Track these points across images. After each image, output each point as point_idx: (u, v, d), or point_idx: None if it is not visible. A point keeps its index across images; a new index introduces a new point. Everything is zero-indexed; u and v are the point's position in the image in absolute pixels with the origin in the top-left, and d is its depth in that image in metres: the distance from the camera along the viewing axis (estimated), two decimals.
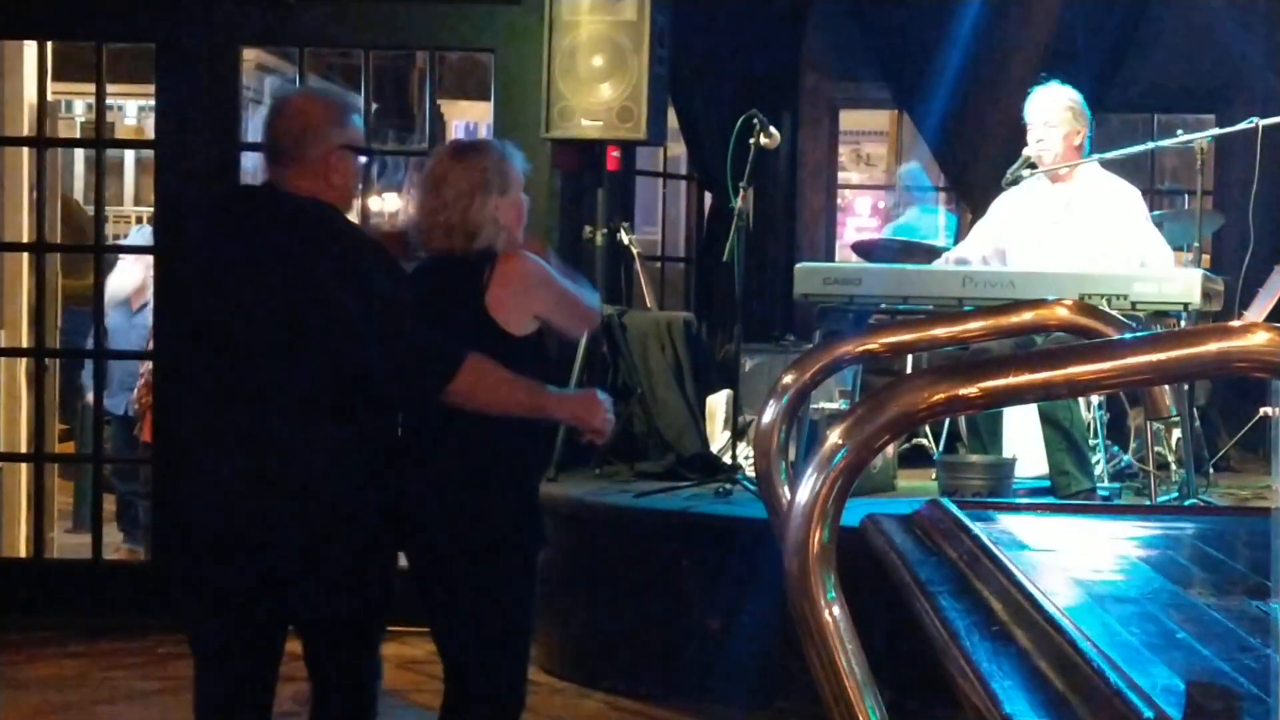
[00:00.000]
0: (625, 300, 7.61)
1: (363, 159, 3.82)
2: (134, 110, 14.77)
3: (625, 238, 7.27)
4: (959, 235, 7.95)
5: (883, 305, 6.05)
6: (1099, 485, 6.02)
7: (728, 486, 6.17)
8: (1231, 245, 8.03)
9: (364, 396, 3.62)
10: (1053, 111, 6.22)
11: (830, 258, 9.33)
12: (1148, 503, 5.66)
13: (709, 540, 5.86)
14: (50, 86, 7.19)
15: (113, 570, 7.20)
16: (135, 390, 7.84)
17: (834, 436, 1.52)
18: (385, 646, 6.35)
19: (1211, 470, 6.68)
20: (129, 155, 16.90)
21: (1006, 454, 6.20)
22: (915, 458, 6.93)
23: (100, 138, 7.31)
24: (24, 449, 7.25)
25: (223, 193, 5.54)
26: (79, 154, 14.18)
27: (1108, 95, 8.41)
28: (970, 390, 1.52)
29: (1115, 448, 6.62)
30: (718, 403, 7.14)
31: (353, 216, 4.01)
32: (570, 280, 4.03)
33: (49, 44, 7.13)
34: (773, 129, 6.42)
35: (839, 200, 10.46)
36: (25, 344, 7.22)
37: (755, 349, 7.42)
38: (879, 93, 9.24)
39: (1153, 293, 5.68)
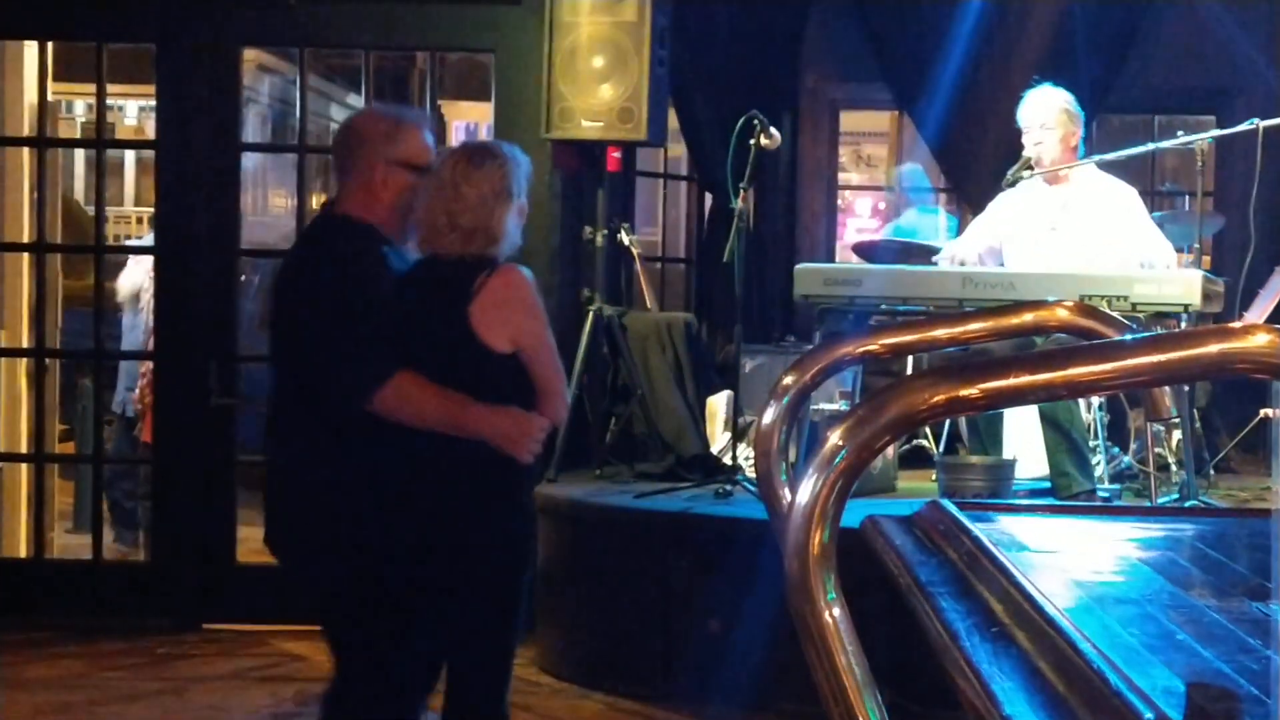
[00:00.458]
0: (625, 301, 7.61)
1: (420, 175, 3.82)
2: (134, 110, 14.77)
3: (625, 238, 7.27)
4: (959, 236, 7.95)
5: (883, 306, 6.05)
6: (1099, 486, 6.02)
7: (728, 487, 6.17)
8: (1232, 247, 8.03)
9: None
10: (1047, 114, 6.22)
11: (830, 259, 9.33)
12: (1148, 504, 5.66)
13: (709, 541, 5.86)
14: (51, 87, 7.19)
15: (113, 571, 7.20)
16: (137, 390, 7.84)
17: (834, 437, 1.52)
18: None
19: (1212, 472, 6.69)
20: (129, 155, 16.90)
21: (1007, 455, 6.20)
22: (915, 459, 6.93)
23: (101, 138, 7.31)
24: (24, 449, 7.25)
25: None
26: (79, 154, 14.18)
27: (1108, 96, 8.42)
28: (970, 391, 1.52)
29: (1115, 449, 6.62)
30: (718, 404, 7.14)
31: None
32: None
33: (49, 44, 7.13)
34: (773, 130, 6.42)
35: (839, 201, 10.45)
36: (26, 344, 7.22)
37: (755, 350, 7.43)
38: (879, 94, 9.23)
39: (1153, 294, 5.68)
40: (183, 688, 6.07)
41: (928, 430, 6.91)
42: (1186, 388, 5.91)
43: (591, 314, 6.76)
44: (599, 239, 7.02)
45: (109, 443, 7.80)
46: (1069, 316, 2.54)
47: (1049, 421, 5.96)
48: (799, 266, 6.34)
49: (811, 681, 1.55)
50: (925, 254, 6.88)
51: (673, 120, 7.70)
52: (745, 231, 6.43)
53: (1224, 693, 1.33)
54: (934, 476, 6.30)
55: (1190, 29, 8.71)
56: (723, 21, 8.40)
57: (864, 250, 7.60)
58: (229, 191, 6.95)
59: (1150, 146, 6.67)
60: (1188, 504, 5.70)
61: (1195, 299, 5.63)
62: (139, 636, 6.63)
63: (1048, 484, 6.07)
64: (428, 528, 3.77)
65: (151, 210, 7.65)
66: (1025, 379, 1.52)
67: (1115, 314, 3.11)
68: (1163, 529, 2.69)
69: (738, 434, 6.51)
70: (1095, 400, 6.20)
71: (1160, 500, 5.82)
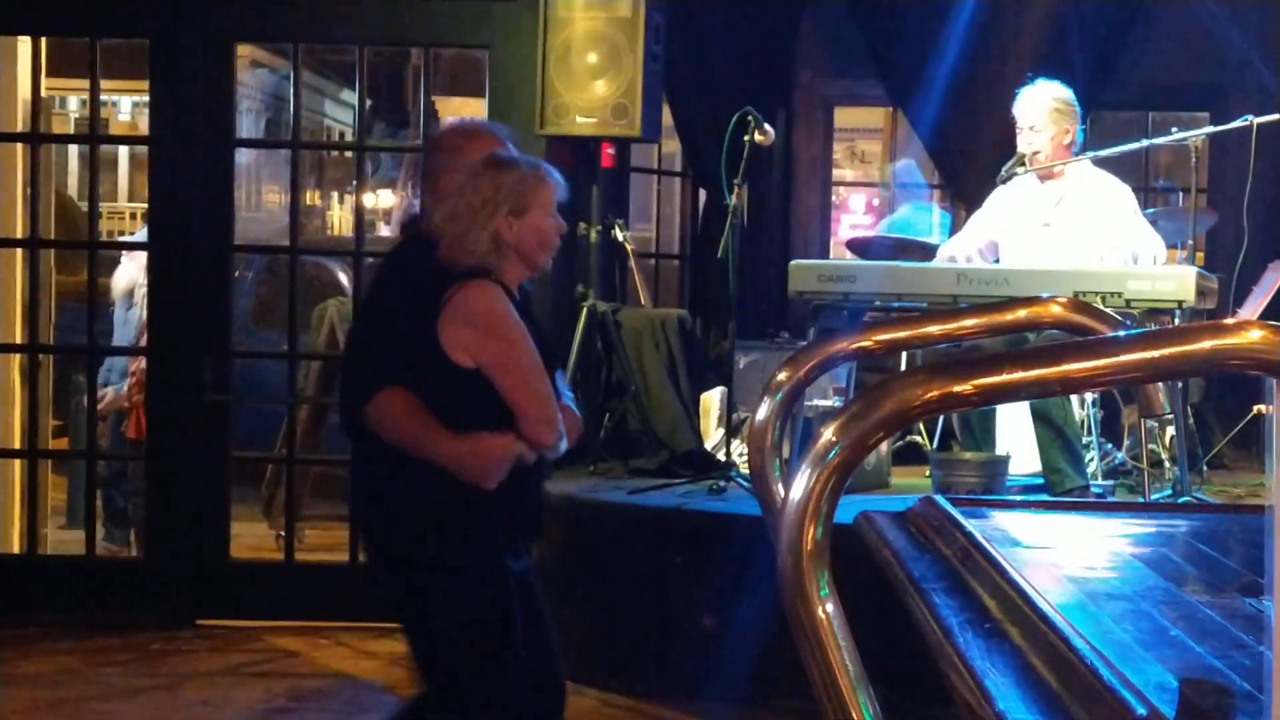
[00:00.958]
0: (620, 297, 7.61)
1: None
2: (128, 106, 14.76)
3: (620, 234, 7.27)
4: (953, 232, 7.95)
5: (877, 302, 6.05)
6: (1092, 482, 6.02)
7: (722, 484, 6.17)
8: (1226, 243, 8.04)
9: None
10: (1039, 111, 6.21)
11: (825, 255, 9.32)
12: (1141, 500, 5.67)
13: (703, 537, 5.86)
14: (45, 82, 7.18)
15: (106, 567, 7.19)
16: (126, 387, 7.82)
17: (828, 433, 1.52)
18: (382, 643, 6.41)
19: (1205, 468, 6.69)
20: (123, 151, 16.90)
21: (1000, 451, 6.21)
22: (909, 455, 6.93)
23: (94, 133, 7.30)
24: (17, 445, 7.24)
25: None
26: (73, 150, 14.17)
27: (1102, 93, 8.42)
28: (964, 387, 1.52)
29: (1109, 445, 6.63)
30: (712, 400, 7.14)
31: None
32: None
33: (43, 39, 7.12)
34: (767, 126, 6.42)
35: (834, 197, 10.45)
36: (19, 340, 7.21)
37: (749, 346, 7.42)
38: (874, 90, 9.23)
39: (1147, 290, 5.68)
40: (176, 684, 6.06)
41: (921, 426, 6.90)
42: (1180, 384, 5.91)
43: (585, 310, 6.76)
44: (593, 235, 7.02)
45: (102, 439, 7.79)
46: (1063, 313, 2.54)
47: (1042, 418, 5.96)
48: (793, 263, 6.33)
49: (805, 677, 1.55)
50: (920, 250, 6.88)
51: (667, 116, 7.70)
52: (739, 227, 6.43)
53: (1217, 688, 1.33)
54: (928, 472, 6.30)
55: (1184, 25, 8.72)
56: (717, 17, 8.40)
57: (858, 246, 7.60)
58: (223, 187, 6.94)
59: (1144, 143, 6.68)
60: (1181, 500, 5.71)
61: (1189, 295, 5.63)
62: (133, 632, 6.62)
63: (1041, 480, 6.07)
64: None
65: (145, 206, 7.64)
66: (1018, 375, 1.52)
67: (1109, 310, 3.11)
68: (1156, 525, 2.70)
69: (732, 430, 6.51)
70: (1089, 396, 6.21)
71: (1154, 496, 5.83)
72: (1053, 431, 5.95)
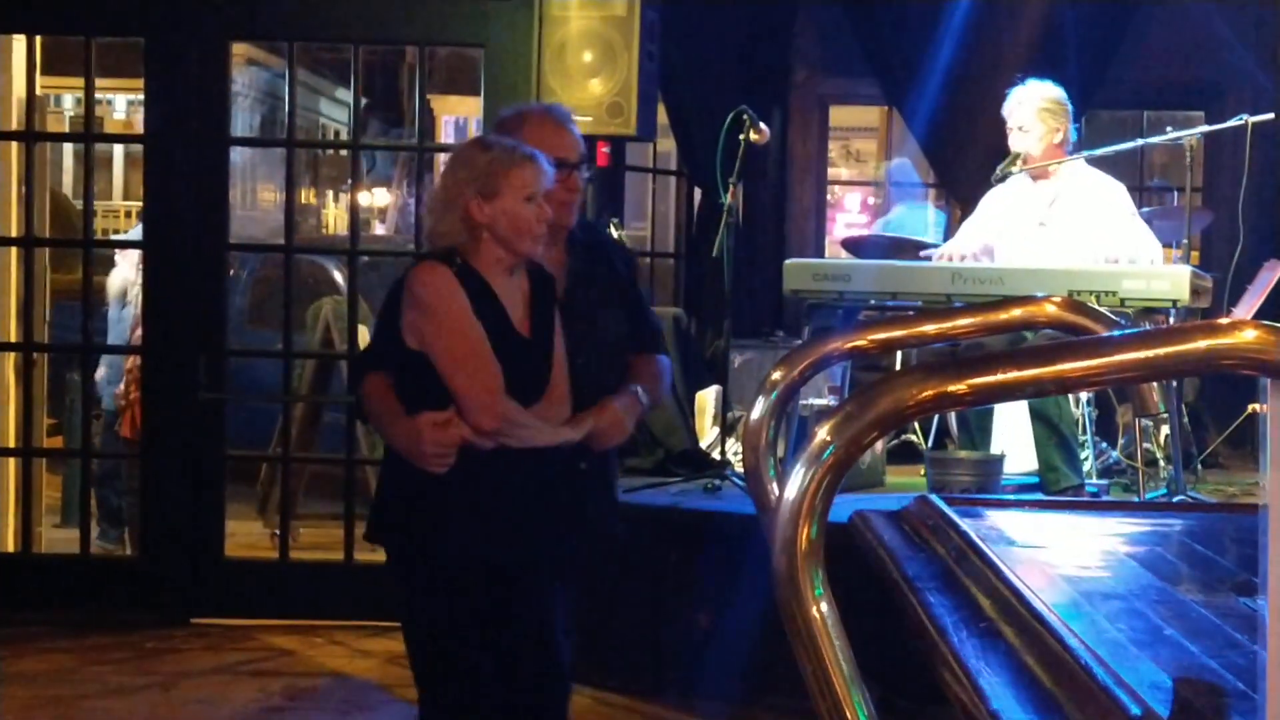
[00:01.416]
0: None
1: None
2: (123, 104, 14.76)
3: (615, 233, 7.27)
4: (948, 232, 7.96)
5: (872, 301, 6.05)
6: (1087, 481, 6.03)
7: (716, 482, 6.17)
8: (1220, 242, 8.05)
9: None
10: (1028, 112, 6.20)
11: (820, 254, 9.33)
12: (1136, 499, 5.67)
13: (697, 536, 5.86)
14: (39, 80, 7.18)
15: (101, 565, 7.19)
16: (121, 385, 7.82)
17: (822, 432, 1.52)
18: (377, 641, 6.41)
19: (1200, 467, 6.70)
20: (118, 149, 16.92)
21: (995, 450, 6.21)
22: (904, 453, 6.93)
23: (89, 132, 7.29)
24: (12, 444, 7.24)
25: None
26: (68, 148, 14.19)
27: (1097, 92, 8.42)
28: (959, 387, 1.52)
29: (1104, 444, 6.63)
30: (707, 398, 7.14)
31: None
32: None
33: (38, 38, 7.12)
34: (762, 125, 6.42)
35: (829, 196, 10.46)
36: (14, 339, 7.21)
37: (744, 345, 7.43)
38: (869, 89, 9.24)
39: (1142, 289, 5.68)
40: (171, 682, 6.06)
41: (916, 425, 6.91)
42: (1175, 383, 5.91)
43: None
44: None
45: (97, 437, 7.78)
46: (1057, 312, 2.54)
47: (1037, 416, 5.96)
48: (788, 262, 6.33)
49: (800, 676, 1.55)
50: (914, 249, 6.89)
51: (662, 115, 7.70)
52: (734, 226, 6.43)
53: (1211, 687, 1.33)
54: (922, 471, 6.30)
55: (1179, 25, 8.72)
56: (713, 16, 8.40)
57: (853, 245, 7.61)
58: (217, 185, 6.94)
59: (1139, 142, 6.68)
60: (1176, 499, 5.71)
61: (1184, 294, 5.63)
62: (127, 631, 6.62)
63: (1036, 479, 6.07)
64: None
65: (140, 204, 7.64)
66: (1013, 374, 1.52)
67: (1104, 309, 3.11)
68: (1150, 524, 2.70)
69: (726, 429, 6.51)
70: (1083, 395, 6.21)
71: (1148, 495, 5.83)
72: (1048, 430, 5.95)
